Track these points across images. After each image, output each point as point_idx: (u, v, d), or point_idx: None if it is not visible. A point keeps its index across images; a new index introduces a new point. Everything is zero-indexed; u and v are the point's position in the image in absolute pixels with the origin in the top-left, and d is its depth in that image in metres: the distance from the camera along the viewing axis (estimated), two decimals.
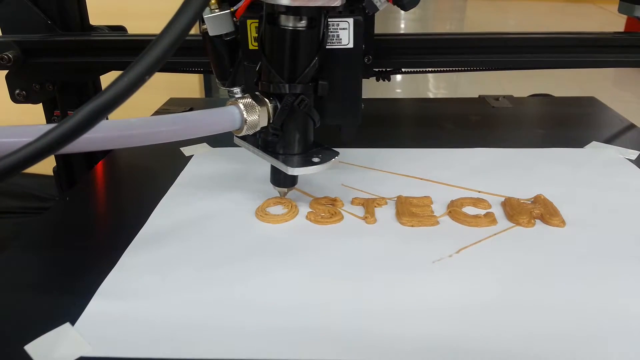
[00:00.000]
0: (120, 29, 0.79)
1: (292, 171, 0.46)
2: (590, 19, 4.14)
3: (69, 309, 0.38)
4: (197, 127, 0.40)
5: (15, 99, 0.71)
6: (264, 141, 0.47)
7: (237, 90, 0.51)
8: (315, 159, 0.47)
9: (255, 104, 0.43)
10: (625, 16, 0.76)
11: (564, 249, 0.44)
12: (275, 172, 0.49)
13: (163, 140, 0.38)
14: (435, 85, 2.51)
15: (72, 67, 0.72)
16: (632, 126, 0.72)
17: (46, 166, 0.84)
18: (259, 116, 0.43)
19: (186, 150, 0.64)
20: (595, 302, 0.37)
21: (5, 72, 0.69)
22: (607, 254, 0.43)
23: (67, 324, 0.36)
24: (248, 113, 0.43)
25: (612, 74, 2.59)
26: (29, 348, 0.34)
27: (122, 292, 0.40)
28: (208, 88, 1.35)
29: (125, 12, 0.95)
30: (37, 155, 0.26)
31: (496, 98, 0.83)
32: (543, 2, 4.70)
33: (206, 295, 0.39)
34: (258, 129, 0.44)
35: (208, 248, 0.45)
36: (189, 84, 1.26)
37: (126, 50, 0.70)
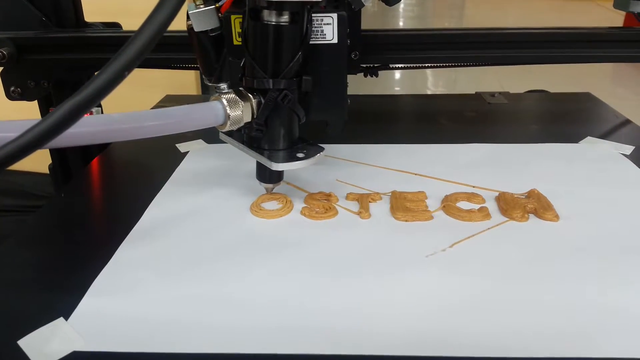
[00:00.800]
0: (115, 25, 0.79)
1: (276, 167, 0.45)
2: (589, 16, 4.14)
3: (63, 304, 0.38)
4: (180, 122, 0.40)
5: (10, 96, 0.71)
6: (248, 137, 0.47)
7: (223, 86, 0.51)
8: (300, 155, 0.46)
9: (239, 99, 0.43)
10: (623, 13, 0.76)
11: (557, 242, 0.44)
12: (260, 168, 0.49)
13: (146, 136, 0.38)
14: (433, 82, 2.51)
15: (67, 64, 0.72)
16: (627, 122, 0.72)
17: (42, 164, 0.84)
18: (242, 111, 0.43)
19: (182, 147, 0.64)
20: (588, 295, 0.37)
21: (0, 69, 0.69)
22: (600, 248, 0.43)
23: (61, 319, 0.36)
24: (231, 108, 0.43)
25: (609, 70, 2.59)
26: (22, 343, 0.34)
27: (115, 287, 0.40)
28: (204, 85, 1.35)
29: (119, 9, 0.95)
30: (18, 153, 0.26)
31: (492, 94, 0.84)
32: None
33: (200, 290, 0.39)
34: (242, 124, 0.44)
35: (202, 244, 0.45)
36: (185, 81, 1.26)
37: (120, 47, 0.70)
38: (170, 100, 0.82)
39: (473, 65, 0.72)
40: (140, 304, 0.38)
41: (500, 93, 0.84)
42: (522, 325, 0.35)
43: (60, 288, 0.40)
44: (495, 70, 0.73)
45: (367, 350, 0.33)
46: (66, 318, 0.36)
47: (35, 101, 0.75)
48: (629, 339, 0.34)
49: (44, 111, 0.77)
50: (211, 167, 0.59)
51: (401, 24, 3.92)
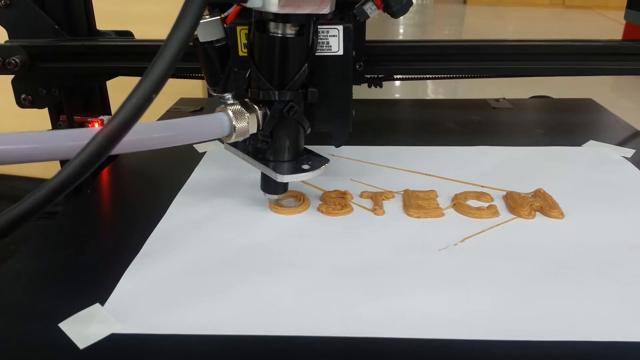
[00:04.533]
0: (127, 34, 0.79)
1: (281, 178, 0.46)
2: (588, 25, 4.17)
3: (98, 293, 0.39)
4: (186, 134, 0.40)
5: (21, 103, 0.72)
6: (254, 148, 0.47)
7: (228, 96, 0.51)
8: (305, 166, 0.47)
9: (244, 111, 0.43)
10: (623, 23, 0.78)
11: (563, 239, 0.46)
12: (265, 179, 0.49)
13: (153, 147, 0.38)
14: (433, 90, 2.54)
15: (79, 72, 0.72)
16: (628, 126, 0.74)
17: (52, 171, 0.86)
18: (248, 123, 0.43)
19: (200, 147, 0.66)
20: (592, 288, 0.39)
21: (12, 76, 0.70)
22: (604, 244, 0.45)
23: (97, 305, 0.38)
24: (237, 120, 0.42)
25: (611, 80, 2.61)
26: (63, 325, 0.36)
27: (147, 274, 0.42)
28: (210, 94, 1.37)
29: (131, 17, 0.96)
30: (53, 196, 0.27)
31: (497, 100, 0.86)
32: (542, 8, 4.74)
33: (229, 279, 0.41)
34: (247, 135, 0.44)
35: (226, 237, 0.47)
36: (192, 89, 1.28)
37: (133, 56, 0.71)
38: (184, 103, 0.84)
39: (479, 77, 0.74)
40: (171, 290, 0.40)
41: (504, 99, 0.87)
42: (531, 315, 0.37)
43: (94, 278, 0.42)
44: (497, 79, 0.75)
45: (384, 334, 0.35)
46: (102, 304, 0.39)
47: (46, 109, 0.75)
48: (628, 325, 0.36)
49: (54, 119, 0.77)
50: (227, 168, 0.61)
51: (401, 32, 3.95)
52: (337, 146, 0.52)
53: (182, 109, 0.81)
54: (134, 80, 0.79)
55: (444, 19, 4.66)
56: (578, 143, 0.67)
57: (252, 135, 0.44)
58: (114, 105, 0.83)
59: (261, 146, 0.46)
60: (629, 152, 0.64)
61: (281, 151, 0.47)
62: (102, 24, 0.79)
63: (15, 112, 0.76)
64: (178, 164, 0.62)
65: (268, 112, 0.44)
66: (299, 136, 0.47)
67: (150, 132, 0.37)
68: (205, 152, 0.65)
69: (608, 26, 3.98)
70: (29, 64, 0.68)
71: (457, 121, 0.77)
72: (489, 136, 0.71)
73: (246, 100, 0.44)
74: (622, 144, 0.66)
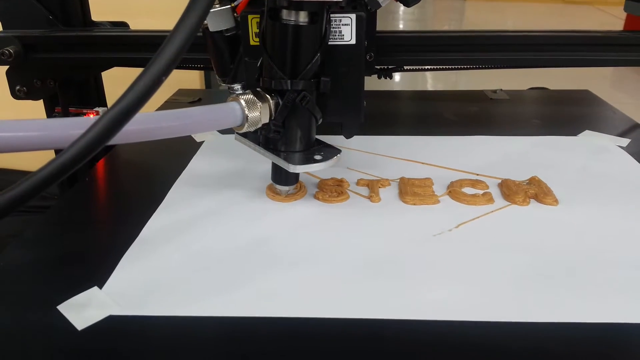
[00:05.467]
0: (123, 24, 0.79)
1: (294, 169, 0.45)
2: (588, 20, 4.17)
3: (96, 277, 0.40)
4: (198, 123, 0.40)
5: (16, 95, 0.71)
6: (265, 138, 0.47)
7: (237, 86, 0.50)
8: (317, 157, 0.46)
9: (257, 100, 0.43)
10: (623, 18, 0.78)
11: (557, 225, 0.46)
12: (276, 170, 0.48)
13: (165, 137, 0.38)
14: (433, 85, 2.54)
15: (74, 63, 0.72)
16: (624, 117, 0.74)
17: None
18: (260, 112, 0.43)
19: (197, 137, 0.66)
20: (585, 273, 0.40)
21: (6, 67, 0.69)
22: (597, 230, 0.45)
23: (95, 288, 0.39)
24: (249, 109, 0.42)
25: (609, 74, 2.61)
26: (62, 308, 0.36)
27: (144, 258, 0.42)
28: (208, 85, 1.37)
29: (127, 8, 0.96)
30: (60, 172, 0.27)
31: (494, 91, 0.86)
32: (541, 3, 4.73)
33: (228, 262, 0.42)
34: (259, 125, 0.44)
35: (223, 224, 0.47)
36: (190, 80, 1.28)
37: (128, 46, 0.70)
38: (182, 94, 0.84)
39: (490, 68, 0.74)
40: (167, 274, 0.40)
41: (502, 90, 0.87)
42: (523, 300, 0.37)
43: (92, 264, 0.42)
44: (496, 71, 0.75)
45: (379, 315, 0.36)
46: (100, 288, 0.39)
47: (41, 100, 0.75)
48: (622, 306, 0.36)
49: (49, 110, 0.77)
50: (225, 157, 0.61)
51: (401, 26, 3.95)
52: (347, 137, 0.51)
53: (180, 99, 0.81)
54: (130, 71, 0.79)
55: (444, 14, 4.65)
56: (574, 133, 0.67)
57: (263, 125, 0.44)
58: (109, 97, 0.83)
59: (273, 136, 0.45)
60: (625, 141, 0.64)
61: (293, 141, 0.46)
62: (98, 16, 0.78)
63: (10, 104, 0.75)
64: (176, 153, 0.62)
65: (280, 102, 0.44)
66: (311, 126, 0.47)
67: (163, 120, 0.37)
68: (203, 141, 0.65)
69: (608, 21, 3.97)
70: (23, 55, 0.68)
71: (455, 112, 0.77)
72: (486, 127, 0.71)
73: (258, 89, 0.44)
74: (617, 133, 0.67)
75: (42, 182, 0.27)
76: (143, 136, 0.36)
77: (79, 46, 0.70)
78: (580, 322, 0.35)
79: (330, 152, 0.47)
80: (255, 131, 0.45)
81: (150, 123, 0.37)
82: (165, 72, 0.27)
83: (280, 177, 0.49)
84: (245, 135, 0.48)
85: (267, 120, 0.44)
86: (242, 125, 0.43)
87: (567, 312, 0.36)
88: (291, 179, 0.49)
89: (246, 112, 0.42)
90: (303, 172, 0.52)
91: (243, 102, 0.42)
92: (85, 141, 0.27)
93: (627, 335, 0.34)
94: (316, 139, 0.48)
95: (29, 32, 0.68)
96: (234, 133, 0.47)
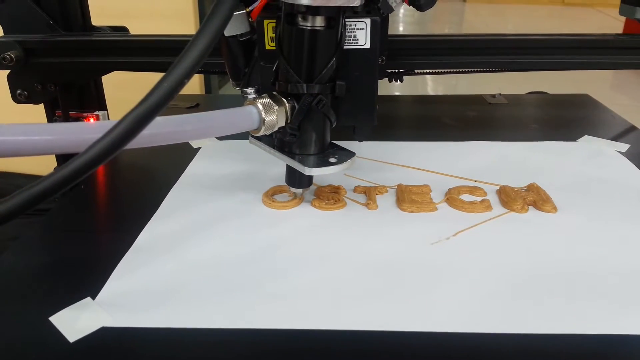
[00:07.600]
0: (123, 29, 0.79)
1: (309, 171, 0.46)
2: (588, 22, 4.16)
3: (89, 287, 0.39)
4: (216, 126, 0.40)
5: (16, 99, 0.72)
6: (280, 141, 0.47)
7: (251, 90, 0.51)
8: (332, 159, 0.47)
9: (274, 104, 0.43)
10: (623, 20, 0.77)
11: (556, 232, 0.46)
12: (291, 172, 0.49)
13: (184, 140, 0.38)
14: (433, 88, 2.54)
15: (74, 68, 0.72)
16: (623, 121, 0.74)
17: (48, 168, 0.85)
18: (277, 116, 0.43)
19: (194, 142, 0.66)
20: (584, 282, 0.40)
21: (7, 72, 0.70)
22: (597, 238, 0.45)
23: (88, 298, 0.38)
24: (266, 113, 0.42)
25: (609, 77, 2.61)
26: (54, 319, 0.36)
27: (139, 269, 0.42)
28: (208, 89, 1.37)
29: (126, 13, 0.96)
30: (82, 171, 0.27)
31: (493, 95, 0.86)
32: (542, 5, 4.73)
33: (221, 271, 0.41)
34: (276, 129, 0.44)
35: (218, 233, 0.47)
36: (190, 84, 1.28)
37: (128, 51, 0.71)
38: (180, 99, 0.83)
39: (501, 71, 0.73)
40: (161, 284, 0.40)
41: (500, 94, 0.87)
42: (521, 309, 0.37)
43: (85, 273, 0.42)
44: (496, 75, 0.74)
45: (374, 327, 0.36)
46: (93, 298, 0.39)
47: (42, 104, 0.75)
48: (620, 318, 0.36)
49: (50, 114, 0.77)
50: (222, 163, 0.61)
51: (401, 29, 3.95)
52: (360, 141, 0.52)
53: (179, 104, 0.81)
54: (130, 75, 0.79)
55: (444, 16, 4.65)
56: (573, 138, 0.67)
57: (279, 128, 0.44)
58: (109, 101, 0.83)
59: (289, 139, 0.46)
60: (624, 146, 0.64)
61: (308, 144, 0.47)
62: (98, 20, 0.79)
63: (11, 108, 0.76)
64: (172, 159, 0.62)
65: (296, 106, 0.44)
66: (326, 129, 0.47)
67: (183, 124, 0.38)
68: (200, 147, 0.65)
69: (608, 24, 3.97)
70: (24, 59, 0.68)
71: (453, 117, 0.77)
72: (485, 131, 0.71)
73: (274, 93, 0.45)
74: (617, 138, 0.66)
75: (72, 176, 0.27)
76: (165, 139, 0.37)
77: (79, 51, 0.71)
78: (580, 333, 0.35)
79: (345, 154, 0.48)
80: (270, 134, 0.45)
81: (173, 126, 0.37)
82: (188, 75, 0.28)
83: (295, 179, 0.49)
84: (259, 138, 0.49)
85: (283, 124, 0.44)
86: (258, 129, 0.43)
87: (566, 323, 0.35)
88: (305, 181, 0.49)
89: (263, 115, 0.42)
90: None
91: (260, 106, 0.43)
92: (111, 139, 0.27)
93: (630, 347, 0.34)
94: (330, 142, 0.49)
95: (30, 37, 0.69)
96: (230, 139, 0.47)
